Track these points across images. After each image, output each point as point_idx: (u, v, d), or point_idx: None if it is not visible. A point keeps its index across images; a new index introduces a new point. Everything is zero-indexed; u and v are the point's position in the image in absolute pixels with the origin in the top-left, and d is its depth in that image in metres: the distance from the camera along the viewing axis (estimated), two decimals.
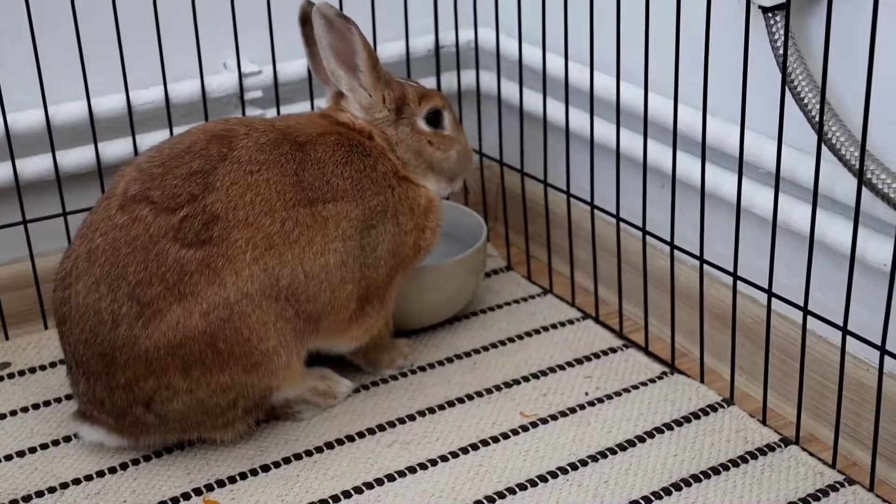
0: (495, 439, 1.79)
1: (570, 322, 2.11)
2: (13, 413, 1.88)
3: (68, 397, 1.89)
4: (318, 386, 1.86)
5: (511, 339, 2.06)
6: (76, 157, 2.07)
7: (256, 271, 1.67)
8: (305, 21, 1.86)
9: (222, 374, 1.67)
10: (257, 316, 1.67)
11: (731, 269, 1.81)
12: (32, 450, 1.79)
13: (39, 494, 1.69)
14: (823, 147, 1.62)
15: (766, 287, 1.76)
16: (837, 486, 1.68)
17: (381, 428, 1.83)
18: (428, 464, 1.74)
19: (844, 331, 1.65)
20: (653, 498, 1.66)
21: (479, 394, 1.91)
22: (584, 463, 1.73)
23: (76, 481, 1.72)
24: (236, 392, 1.70)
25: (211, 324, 1.64)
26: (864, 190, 1.59)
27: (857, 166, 1.58)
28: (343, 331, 1.83)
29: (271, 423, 1.83)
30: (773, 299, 1.76)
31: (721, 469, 1.71)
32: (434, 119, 1.91)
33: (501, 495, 1.67)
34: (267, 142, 1.74)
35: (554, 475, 1.71)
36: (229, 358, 1.66)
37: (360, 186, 1.78)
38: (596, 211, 2.06)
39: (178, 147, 1.73)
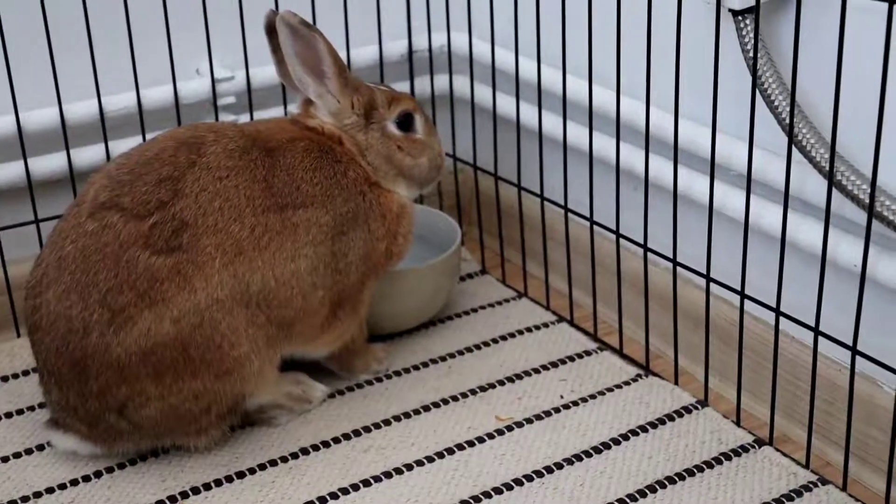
0: (471, 443, 1.79)
1: (545, 325, 2.11)
2: None
3: (41, 405, 1.88)
4: (292, 391, 1.86)
5: (486, 343, 2.06)
6: (48, 163, 2.06)
7: (226, 277, 1.66)
8: (271, 30, 1.84)
9: (194, 380, 1.66)
10: (228, 322, 1.66)
11: (704, 271, 1.82)
12: (5, 459, 1.78)
13: None
14: (794, 149, 1.63)
15: (739, 289, 1.76)
16: (811, 486, 1.68)
17: (357, 433, 1.82)
18: (404, 469, 1.74)
19: (816, 331, 1.66)
20: (628, 500, 1.66)
21: (455, 398, 1.91)
22: (559, 466, 1.74)
23: (49, 490, 1.71)
24: (209, 398, 1.69)
25: (182, 330, 1.64)
26: (835, 191, 1.60)
27: (828, 168, 1.59)
28: (316, 336, 1.82)
29: (246, 429, 1.83)
30: (746, 301, 1.77)
31: (696, 470, 1.72)
32: (405, 123, 1.90)
33: (477, 499, 1.67)
34: (236, 148, 1.74)
35: (529, 479, 1.71)
36: (201, 364, 1.66)
37: (330, 193, 1.78)
38: (570, 214, 2.06)
39: (147, 154, 1.72)
